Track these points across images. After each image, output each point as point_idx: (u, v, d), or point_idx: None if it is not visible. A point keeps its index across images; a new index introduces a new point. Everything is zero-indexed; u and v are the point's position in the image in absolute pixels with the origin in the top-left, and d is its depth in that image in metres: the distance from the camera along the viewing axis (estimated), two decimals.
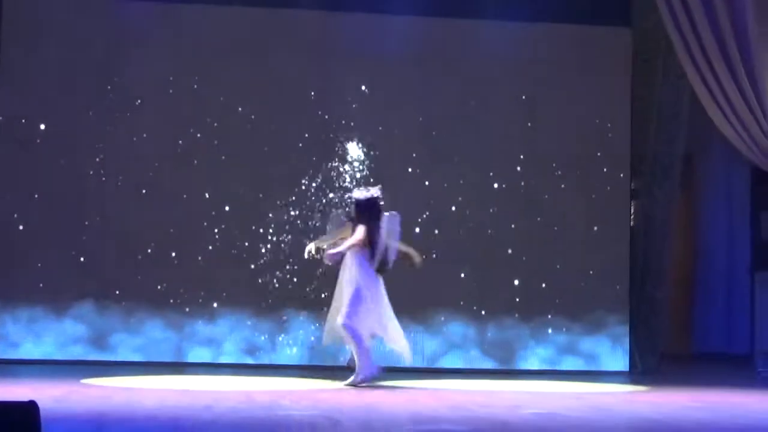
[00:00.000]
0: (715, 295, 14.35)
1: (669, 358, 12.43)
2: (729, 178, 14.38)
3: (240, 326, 11.22)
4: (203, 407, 7.39)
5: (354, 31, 11.63)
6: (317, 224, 11.22)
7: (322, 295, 11.19)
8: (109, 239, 11.17)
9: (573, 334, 11.67)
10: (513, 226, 11.64)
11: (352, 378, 9.31)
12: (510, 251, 11.64)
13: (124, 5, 11.36)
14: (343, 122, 11.56)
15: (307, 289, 11.19)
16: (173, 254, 11.24)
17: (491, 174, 11.73)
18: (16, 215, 11.07)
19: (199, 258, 11.24)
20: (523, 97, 11.81)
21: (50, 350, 11.02)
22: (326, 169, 11.48)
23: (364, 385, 9.26)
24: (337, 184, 11.48)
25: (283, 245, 11.21)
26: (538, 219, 11.76)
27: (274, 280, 11.25)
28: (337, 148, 11.52)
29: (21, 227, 11.06)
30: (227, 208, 11.26)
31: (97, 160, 11.21)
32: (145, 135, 11.30)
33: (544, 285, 11.70)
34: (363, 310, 9.33)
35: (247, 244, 11.23)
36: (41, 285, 11.02)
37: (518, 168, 11.78)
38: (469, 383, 10.05)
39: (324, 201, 11.40)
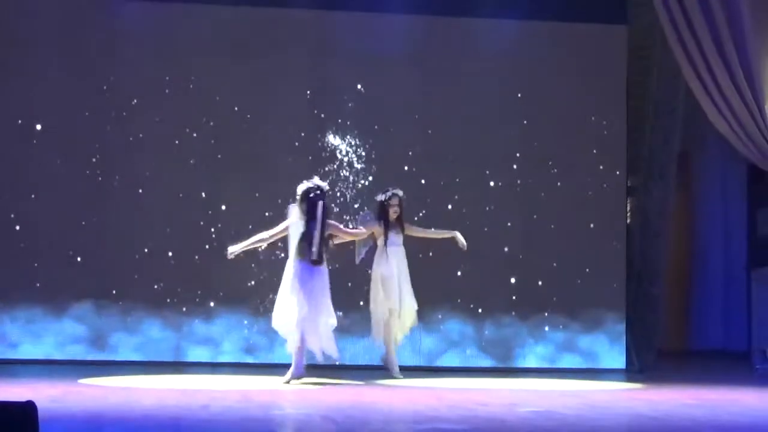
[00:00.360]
0: (712, 292, 14.38)
1: (666, 355, 12.44)
2: (725, 175, 14.40)
3: (238, 325, 11.22)
4: (201, 406, 7.39)
5: (349, 30, 11.63)
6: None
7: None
8: (105, 239, 11.17)
9: (570, 331, 11.67)
10: (509, 224, 11.64)
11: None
12: (506, 249, 11.65)
13: (119, 5, 11.35)
14: (339, 121, 11.56)
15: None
16: (170, 254, 11.24)
17: (487, 172, 11.74)
18: (13, 215, 11.07)
19: (196, 257, 11.24)
20: (519, 95, 11.82)
21: (49, 350, 11.01)
22: (322, 168, 11.47)
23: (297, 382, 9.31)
24: (332, 184, 11.47)
25: (279, 244, 11.19)
26: (534, 217, 11.77)
27: (274, 279, 11.23)
28: (332, 147, 11.52)
29: (18, 227, 11.06)
30: (223, 207, 11.26)
31: (94, 160, 11.21)
32: (141, 135, 11.30)
33: (540, 283, 11.70)
34: (289, 304, 9.36)
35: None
36: (38, 285, 11.02)
37: (514, 166, 11.78)
38: (468, 381, 10.06)
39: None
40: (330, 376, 10.12)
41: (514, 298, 11.67)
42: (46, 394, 7.66)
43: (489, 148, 11.72)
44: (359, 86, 11.63)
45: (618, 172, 11.91)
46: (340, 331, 11.30)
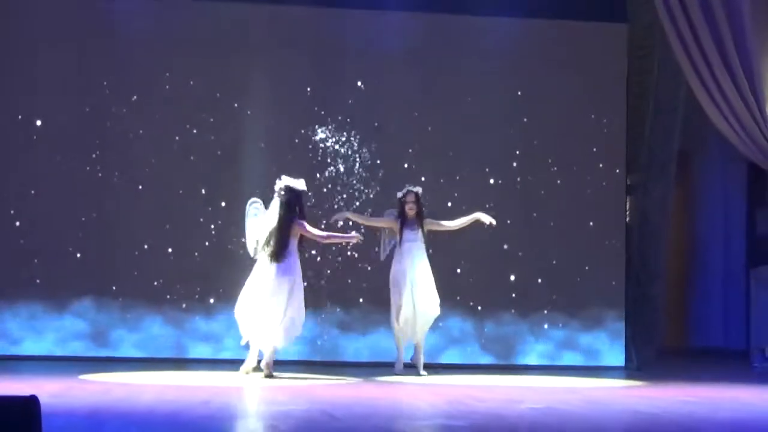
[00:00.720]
0: (711, 291, 14.38)
1: (665, 353, 12.45)
2: (725, 174, 14.41)
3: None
4: (201, 402, 7.41)
5: (350, 27, 11.64)
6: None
7: (320, 289, 11.23)
8: (105, 235, 11.17)
9: (570, 329, 11.68)
10: (509, 221, 11.64)
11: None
12: (506, 247, 11.66)
13: (119, 2, 11.35)
14: (339, 118, 11.56)
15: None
16: (169, 250, 11.25)
17: (487, 170, 11.75)
18: (12, 211, 11.06)
19: (196, 254, 11.24)
20: (519, 93, 11.83)
21: (50, 347, 11.01)
22: (322, 165, 11.49)
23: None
24: (332, 180, 11.48)
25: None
26: (534, 215, 11.78)
27: None
28: (333, 144, 11.53)
29: (18, 223, 11.06)
30: (223, 204, 11.26)
31: (94, 156, 11.21)
32: (141, 131, 11.30)
33: (540, 281, 11.71)
34: (248, 301, 9.58)
35: (243, 239, 11.20)
36: (38, 281, 11.02)
37: (514, 164, 11.79)
38: (468, 378, 10.08)
39: (320, 197, 11.43)
40: (331, 372, 10.13)
41: (513, 295, 11.68)
42: (47, 390, 7.67)
43: (489, 145, 11.73)
44: (359, 83, 11.64)
45: (618, 171, 11.92)
46: (341, 327, 11.35)
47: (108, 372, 9.56)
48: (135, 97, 11.32)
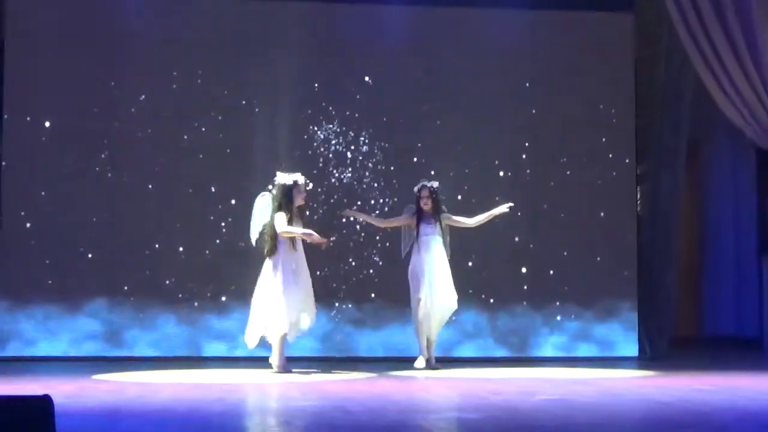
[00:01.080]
0: (723, 279, 14.34)
1: (678, 342, 12.43)
2: (735, 161, 14.36)
3: None
4: (215, 399, 7.41)
5: (356, 22, 11.64)
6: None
7: (333, 285, 11.24)
8: (116, 235, 11.19)
9: (583, 320, 11.67)
10: (519, 213, 11.60)
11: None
12: (517, 239, 11.65)
13: (124, 1, 11.35)
14: (347, 113, 11.56)
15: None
16: (180, 249, 11.26)
17: (496, 162, 11.74)
18: (23, 213, 11.08)
19: (207, 252, 11.25)
20: (527, 85, 11.81)
21: (65, 347, 11.03)
22: (331, 161, 11.49)
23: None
24: (341, 175, 11.48)
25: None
26: (545, 206, 11.76)
27: None
28: (342, 140, 11.53)
29: (28, 225, 11.07)
30: (233, 202, 11.27)
31: (103, 156, 11.23)
32: (149, 130, 11.31)
33: (551, 272, 11.70)
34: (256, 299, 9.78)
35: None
36: (50, 282, 11.04)
37: (523, 156, 11.78)
38: (483, 371, 10.07)
39: (329, 193, 11.43)
40: (345, 368, 10.13)
41: (525, 288, 11.68)
42: (61, 390, 7.68)
43: (497, 138, 11.72)
44: (367, 78, 11.63)
45: (627, 161, 11.90)
46: (354, 323, 11.35)
47: (122, 372, 9.57)
48: (143, 96, 11.33)
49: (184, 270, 11.23)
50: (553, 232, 11.72)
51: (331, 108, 11.54)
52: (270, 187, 9.81)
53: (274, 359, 9.63)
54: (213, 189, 11.35)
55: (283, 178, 9.69)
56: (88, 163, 11.19)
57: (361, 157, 11.55)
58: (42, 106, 11.17)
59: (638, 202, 11.98)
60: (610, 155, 11.87)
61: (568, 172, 11.81)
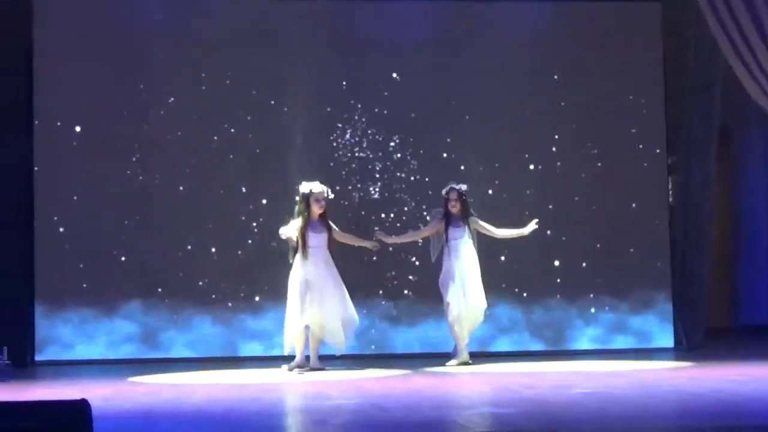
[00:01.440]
0: (757, 269, 14.25)
1: (714, 332, 12.36)
2: (767, 148, 14.27)
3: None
4: (251, 399, 7.45)
5: (383, 18, 11.63)
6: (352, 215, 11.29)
7: (365, 285, 11.25)
8: (148, 237, 11.24)
9: (618, 312, 11.63)
10: (550, 206, 11.61)
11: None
12: (549, 232, 11.60)
13: (151, 4, 11.40)
14: (376, 110, 11.56)
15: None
16: (213, 250, 11.30)
17: (526, 156, 11.71)
18: (56, 218, 11.15)
19: (239, 252, 11.29)
20: (555, 78, 11.77)
21: (102, 350, 11.08)
22: (361, 158, 11.50)
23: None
24: (371, 172, 11.49)
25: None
26: (576, 198, 11.73)
27: None
28: (370, 137, 11.53)
29: (61, 229, 11.14)
30: (264, 201, 11.30)
31: (134, 159, 11.28)
32: (179, 132, 11.36)
33: (584, 265, 11.67)
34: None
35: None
36: (84, 285, 11.10)
37: (553, 148, 11.75)
38: (519, 366, 10.06)
39: (360, 191, 11.45)
40: (382, 365, 10.15)
41: (558, 281, 11.65)
42: (97, 393, 7.73)
43: (527, 131, 11.69)
44: (395, 75, 11.63)
45: (658, 151, 11.85)
46: (390, 320, 11.37)
47: (159, 373, 9.62)
48: (172, 99, 11.38)
49: (216, 271, 11.27)
50: (584, 224, 11.68)
51: (359, 105, 11.54)
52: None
53: (311, 357, 9.70)
54: (244, 189, 11.38)
55: (302, 186, 9.80)
56: (119, 167, 11.24)
57: (389, 154, 11.53)
58: (72, 111, 11.24)
59: (670, 192, 11.92)
60: (641, 146, 11.82)
61: (598, 164, 11.76)
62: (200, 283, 11.26)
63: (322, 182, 9.92)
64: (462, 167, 11.49)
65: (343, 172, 11.43)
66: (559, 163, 11.73)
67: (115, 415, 6.65)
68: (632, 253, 11.71)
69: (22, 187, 11.09)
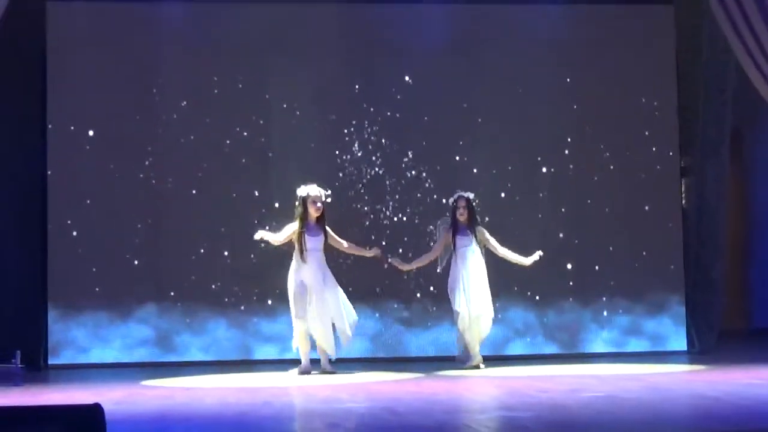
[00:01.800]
0: None
1: (727, 335, 12.32)
2: None
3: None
4: (263, 403, 7.45)
5: (394, 22, 11.64)
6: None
7: (377, 289, 11.25)
8: (161, 241, 11.27)
9: (632, 315, 11.61)
10: (563, 209, 11.60)
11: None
12: (561, 235, 11.59)
13: (164, 8, 11.42)
14: (388, 114, 11.56)
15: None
16: (225, 253, 11.31)
17: (539, 158, 11.70)
18: (69, 221, 11.18)
19: (252, 256, 11.28)
20: (568, 80, 11.76)
21: (117, 354, 11.10)
22: (373, 162, 11.49)
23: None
24: (383, 175, 11.48)
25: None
26: (588, 201, 11.71)
27: None
28: (382, 140, 11.53)
29: (75, 233, 11.17)
30: (277, 205, 11.30)
31: (146, 163, 11.30)
32: (192, 136, 11.37)
33: (597, 268, 11.65)
34: None
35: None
36: (98, 289, 11.12)
37: (566, 151, 11.73)
38: (533, 369, 10.04)
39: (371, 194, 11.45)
40: (394, 369, 10.14)
41: (571, 284, 11.63)
42: (110, 397, 7.74)
43: (540, 134, 11.68)
44: (407, 78, 11.63)
45: (671, 153, 11.82)
46: (402, 323, 11.36)
47: (174, 377, 9.63)
48: (184, 102, 11.40)
49: (229, 274, 11.29)
50: (597, 227, 11.66)
51: (372, 109, 11.55)
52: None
53: (322, 361, 9.74)
54: (256, 193, 11.39)
55: (300, 189, 9.85)
56: (132, 170, 11.27)
57: (402, 157, 11.53)
58: (85, 115, 11.27)
59: (683, 194, 11.89)
60: (654, 148, 11.80)
61: (611, 167, 11.74)
62: (213, 286, 11.27)
63: (319, 185, 9.91)
64: (474, 170, 11.49)
65: (354, 175, 11.42)
66: (571, 166, 11.72)
67: (127, 419, 6.65)
68: (645, 255, 11.69)
69: (35, 191, 11.13)
